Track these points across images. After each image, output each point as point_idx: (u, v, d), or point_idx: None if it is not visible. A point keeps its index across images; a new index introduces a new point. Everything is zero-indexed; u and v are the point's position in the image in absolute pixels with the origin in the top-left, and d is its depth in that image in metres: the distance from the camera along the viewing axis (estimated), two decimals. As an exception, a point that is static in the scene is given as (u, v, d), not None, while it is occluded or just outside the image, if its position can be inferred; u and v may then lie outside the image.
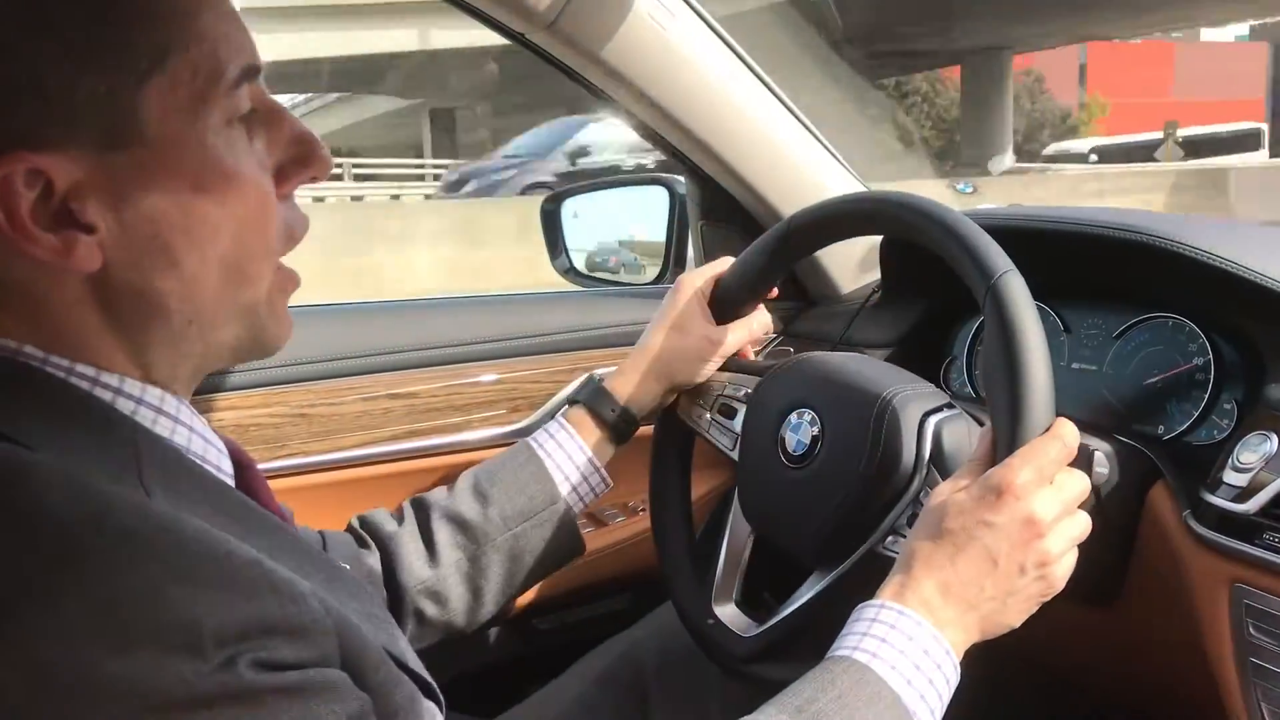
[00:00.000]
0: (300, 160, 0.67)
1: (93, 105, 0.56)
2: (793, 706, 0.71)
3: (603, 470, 1.06)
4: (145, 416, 0.61)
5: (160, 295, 0.61)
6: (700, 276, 1.12)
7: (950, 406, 0.95)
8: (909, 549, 0.79)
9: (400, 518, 1.01)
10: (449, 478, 1.33)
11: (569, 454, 1.04)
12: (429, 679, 0.67)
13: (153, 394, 0.62)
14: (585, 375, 1.44)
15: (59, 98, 0.55)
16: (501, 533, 1.00)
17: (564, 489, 1.03)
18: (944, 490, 0.80)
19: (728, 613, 1.01)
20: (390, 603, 0.97)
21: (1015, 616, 0.79)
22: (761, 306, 1.15)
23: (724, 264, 1.13)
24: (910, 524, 0.88)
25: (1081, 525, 0.79)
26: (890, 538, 0.89)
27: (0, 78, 0.55)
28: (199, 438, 0.65)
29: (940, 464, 0.90)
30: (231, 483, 0.67)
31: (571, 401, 1.10)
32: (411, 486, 1.33)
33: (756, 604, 1.01)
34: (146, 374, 0.62)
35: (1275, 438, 0.93)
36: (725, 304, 1.11)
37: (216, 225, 0.61)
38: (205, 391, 1.19)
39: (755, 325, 1.14)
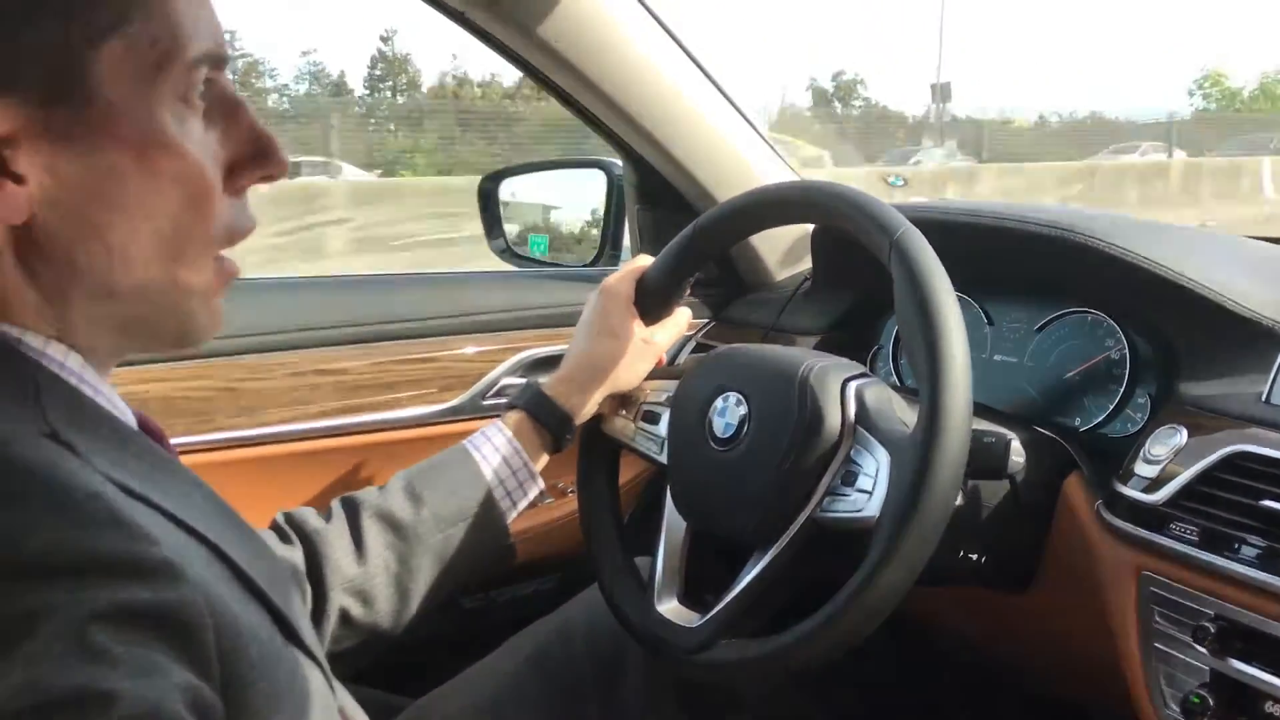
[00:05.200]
0: (255, 158, 0.65)
1: (40, 56, 0.55)
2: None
3: (538, 477, 1.06)
4: (48, 366, 0.60)
5: (84, 260, 0.59)
6: (623, 279, 1.12)
7: (868, 375, 0.97)
8: None
9: (328, 515, 0.98)
10: (378, 455, 1.33)
11: (505, 458, 1.04)
12: (319, 656, 0.65)
13: (55, 349, 0.60)
14: (518, 356, 1.44)
15: (7, 42, 0.54)
16: (433, 534, 0.98)
17: (498, 493, 1.03)
18: None
19: (671, 609, 1.01)
20: (314, 601, 0.94)
21: None
22: (683, 303, 1.17)
23: (642, 263, 1.14)
24: (844, 484, 0.90)
25: None
26: (828, 499, 0.91)
27: None
28: (103, 398, 0.63)
29: (866, 424, 0.92)
30: None
31: (510, 406, 1.09)
32: (339, 463, 1.32)
33: (698, 602, 1.02)
34: (62, 335, 0.61)
35: (1185, 431, 0.96)
36: (649, 304, 1.12)
37: (153, 200, 0.59)
38: (132, 362, 1.17)
39: (682, 320, 1.16)
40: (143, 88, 0.58)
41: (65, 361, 0.60)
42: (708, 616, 0.95)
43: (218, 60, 0.62)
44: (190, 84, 0.60)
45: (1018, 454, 0.91)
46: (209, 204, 0.62)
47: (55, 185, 0.57)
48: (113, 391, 0.65)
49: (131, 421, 0.66)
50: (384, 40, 38.26)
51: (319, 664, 0.65)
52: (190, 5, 0.60)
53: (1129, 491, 0.97)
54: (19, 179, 0.56)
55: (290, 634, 0.61)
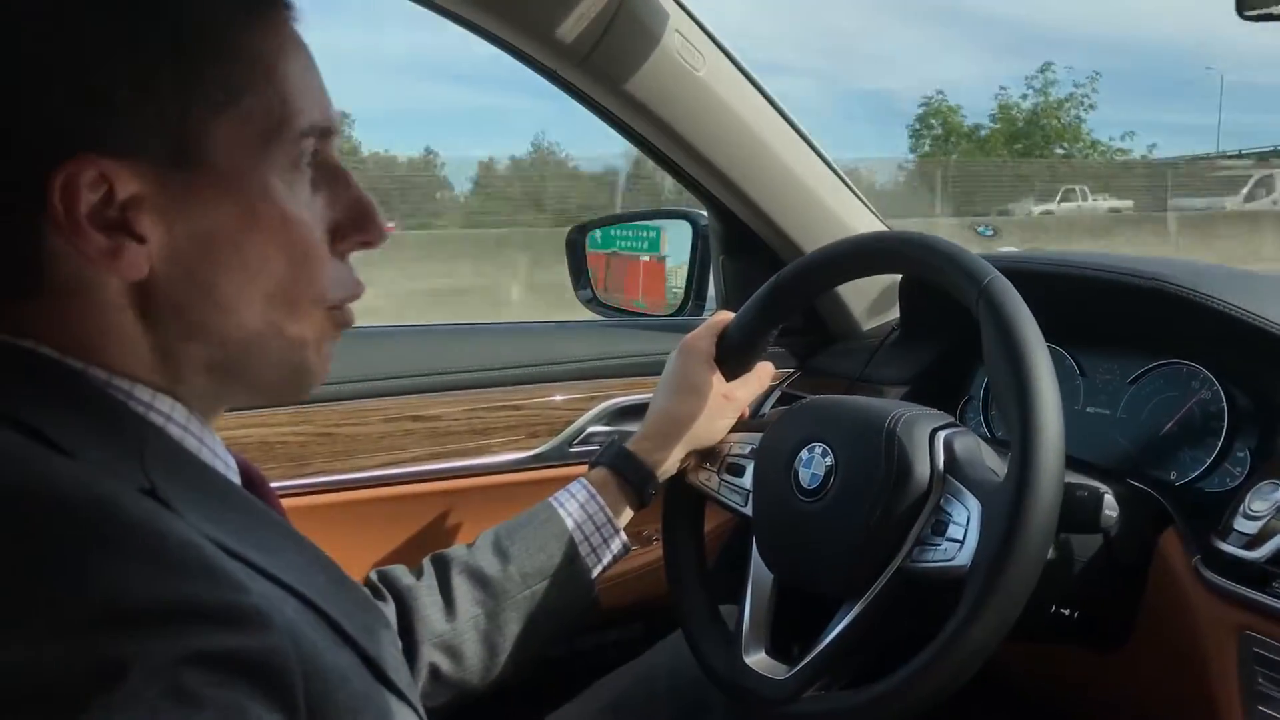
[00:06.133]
0: (355, 224, 0.70)
1: (165, 125, 0.60)
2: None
3: (620, 532, 1.07)
4: (155, 419, 0.63)
5: (199, 315, 0.63)
6: (703, 336, 1.13)
7: (957, 425, 0.96)
8: None
9: (419, 572, 1.01)
10: (467, 500, 1.36)
11: (590, 515, 1.05)
12: (415, 702, 0.67)
13: (163, 402, 0.63)
14: (603, 404, 1.46)
15: (135, 112, 0.59)
16: (520, 590, 1.00)
17: (583, 549, 1.04)
18: None
19: (758, 660, 1.01)
20: (405, 657, 0.93)
21: None
22: (767, 354, 1.17)
23: (722, 319, 1.15)
24: (935, 533, 0.89)
25: None
26: (917, 548, 0.90)
27: (84, 86, 0.58)
28: (207, 450, 0.66)
29: (956, 473, 0.91)
30: None
31: (595, 463, 1.11)
32: (430, 508, 1.35)
33: (785, 654, 1.01)
34: (172, 385, 0.64)
35: (1287, 487, 0.94)
36: (731, 359, 1.13)
37: (263, 259, 0.64)
38: (233, 408, 1.21)
39: (764, 375, 1.16)
40: (255, 155, 0.63)
41: (171, 414, 0.64)
42: (796, 668, 0.95)
43: (324, 131, 0.67)
44: (299, 152, 0.65)
45: (1111, 508, 0.90)
46: (315, 263, 0.66)
47: (172, 244, 0.61)
48: (217, 442, 0.68)
49: (234, 472, 0.69)
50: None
51: (415, 709, 0.66)
52: (301, 81, 0.65)
53: (1228, 548, 0.94)
54: (140, 239, 0.60)
55: (383, 678, 0.63)
